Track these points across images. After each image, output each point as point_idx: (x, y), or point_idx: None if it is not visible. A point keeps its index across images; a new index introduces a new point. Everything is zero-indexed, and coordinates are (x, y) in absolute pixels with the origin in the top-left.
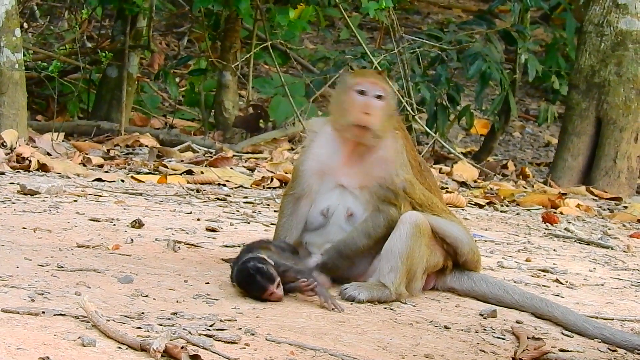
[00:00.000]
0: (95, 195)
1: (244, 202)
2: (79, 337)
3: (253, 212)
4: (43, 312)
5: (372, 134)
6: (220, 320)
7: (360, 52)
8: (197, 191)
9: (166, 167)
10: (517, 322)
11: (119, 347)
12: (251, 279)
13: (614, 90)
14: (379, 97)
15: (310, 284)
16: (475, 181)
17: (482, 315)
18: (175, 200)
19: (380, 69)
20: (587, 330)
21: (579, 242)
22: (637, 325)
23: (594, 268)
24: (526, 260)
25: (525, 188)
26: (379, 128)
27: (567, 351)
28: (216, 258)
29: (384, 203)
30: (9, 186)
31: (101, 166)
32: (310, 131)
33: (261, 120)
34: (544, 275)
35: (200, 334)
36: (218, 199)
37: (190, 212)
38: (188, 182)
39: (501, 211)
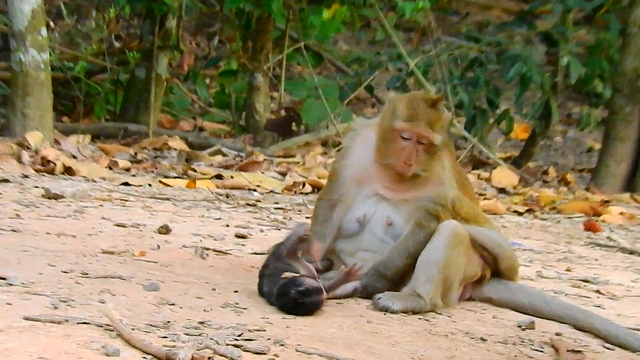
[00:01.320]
0: (121, 199)
1: (275, 208)
2: (103, 347)
3: (284, 218)
4: (66, 320)
5: (416, 177)
6: (249, 330)
7: (396, 54)
8: (227, 196)
9: (195, 171)
10: (557, 334)
11: (144, 357)
12: (301, 306)
13: None
14: (423, 142)
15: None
16: (514, 187)
17: (520, 326)
18: (203, 206)
19: (417, 72)
20: (629, 343)
21: (622, 252)
22: None
23: (637, 278)
24: (566, 270)
25: (567, 195)
26: (425, 168)
27: None
28: (245, 265)
29: (428, 217)
30: (33, 190)
31: (128, 170)
32: (351, 132)
33: (293, 124)
34: (585, 286)
35: (227, 344)
36: (248, 204)
37: (219, 218)
38: (217, 187)
39: (541, 219)
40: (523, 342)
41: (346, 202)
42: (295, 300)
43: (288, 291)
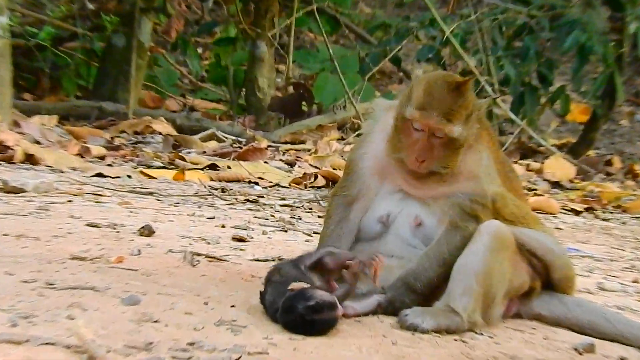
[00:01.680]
0: (94, 194)
1: (281, 205)
2: None
3: (292, 217)
4: (27, 341)
5: (434, 175)
6: (249, 353)
7: (429, 19)
8: (223, 191)
9: (184, 160)
10: (621, 358)
11: None
12: (311, 325)
13: None
14: (440, 135)
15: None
16: (571, 181)
17: (576, 349)
18: (194, 202)
19: (454, 41)
20: None
21: None
22: None
23: None
24: (633, 282)
25: (635, 190)
26: (445, 165)
27: None
28: (244, 275)
29: (465, 217)
30: None
31: (103, 158)
32: (371, 115)
33: (304, 103)
34: None
35: None
36: (248, 200)
37: (213, 217)
38: (211, 180)
39: (603, 219)
40: None
41: (366, 198)
42: (304, 318)
43: (295, 306)
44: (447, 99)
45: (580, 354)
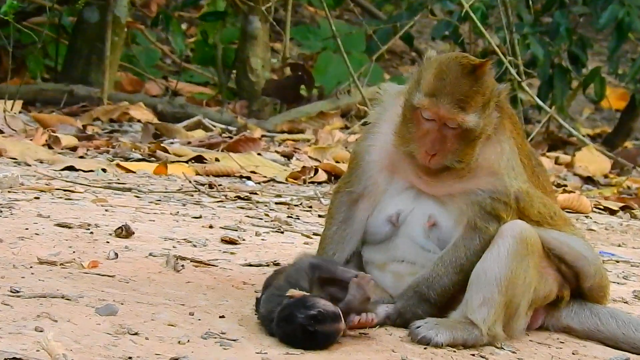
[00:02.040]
0: (65, 190)
1: (276, 203)
2: None
3: (288, 217)
4: None
5: (448, 170)
6: None
7: None
8: (210, 186)
9: (167, 151)
10: None
11: None
12: (312, 337)
13: None
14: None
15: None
16: (605, 176)
17: None
18: (178, 199)
19: (474, 17)
20: None
21: None
22: None
23: None
24: None
25: None
26: (460, 159)
27: None
28: (235, 281)
29: (485, 217)
30: None
31: (74, 149)
32: (378, 103)
33: (302, 87)
34: None
35: None
36: (239, 197)
37: (200, 216)
38: (197, 174)
39: None
40: None
41: (373, 196)
42: (305, 328)
43: (295, 314)
44: (460, 84)
45: None
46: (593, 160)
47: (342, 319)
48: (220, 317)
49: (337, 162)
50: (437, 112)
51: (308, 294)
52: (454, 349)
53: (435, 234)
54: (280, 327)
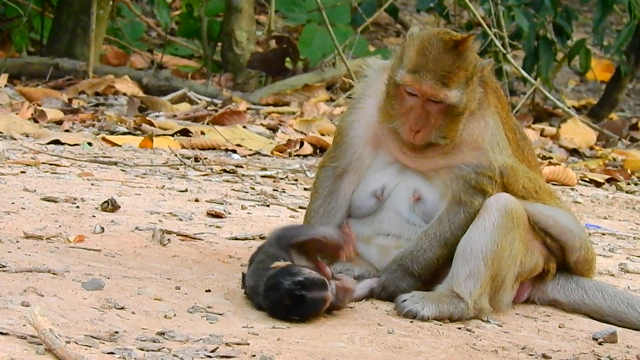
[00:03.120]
0: (51, 164)
1: (262, 177)
2: None
3: (274, 190)
4: None
5: (433, 146)
6: (226, 344)
7: None
8: (196, 160)
9: (152, 124)
10: None
11: None
12: (300, 303)
13: None
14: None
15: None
16: (591, 148)
17: (596, 339)
18: (164, 173)
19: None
20: None
21: None
22: None
23: None
24: None
25: None
26: (444, 135)
27: None
28: (221, 255)
29: (470, 191)
30: None
31: (60, 123)
32: (363, 78)
33: (288, 59)
34: None
35: None
36: (225, 171)
37: (186, 190)
38: (183, 147)
39: (627, 192)
40: None
41: (358, 170)
42: (292, 293)
43: (281, 282)
44: (443, 60)
45: (600, 344)
46: (578, 132)
47: (329, 288)
48: (206, 291)
49: (322, 134)
50: (419, 88)
51: (294, 265)
52: (440, 322)
53: (420, 207)
54: (267, 297)
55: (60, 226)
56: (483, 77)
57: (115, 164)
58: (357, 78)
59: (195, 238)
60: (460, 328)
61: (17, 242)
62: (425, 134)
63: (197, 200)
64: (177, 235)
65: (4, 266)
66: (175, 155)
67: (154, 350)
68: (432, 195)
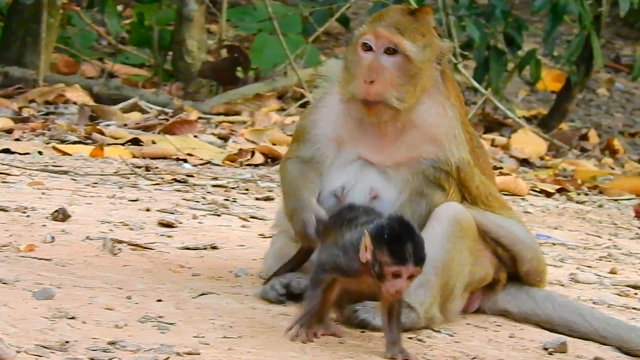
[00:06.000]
0: (1, 173)
1: (213, 186)
2: None
3: (225, 199)
4: None
5: (387, 109)
6: (177, 354)
7: None
8: (147, 169)
9: (103, 134)
10: (596, 359)
11: None
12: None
13: None
14: (390, 51)
15: None
16: (541, 158)
17: (546, 349)
18: (114, 182)
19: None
20: None
21: None
22: None
23: None
24: (611, 273)
25: (613, 169)
26: (399, 97)
27: None
28: (172, 265)
29: (431, 186)
30: None
31: (10, 132)
32: (323, 79)
33: (239, 68)
34: (636, 294)
35: None
36: (176, 180)
37: (137, 199)
38: (134, 156)
39: (577, 202)
40: None
41: (321, 167)
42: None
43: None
44: (400, 18)
45: (550, 354)
46: (529, 142)
47: None
48: (157, 300)
49: (273, 144)
50: (374, 31)
51: None
52: None
53: (377, 206)
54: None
55: (10, 235)
56: (442, 63)
57: (66, 173)
58: (316, 81)
59: (146, 247)
60: (411, 338)
61: None
62: (379, 87)
63: (148, 210)
64: (128, 244)
65: None
66: (126, 165)
67: None
68: (390, 193)
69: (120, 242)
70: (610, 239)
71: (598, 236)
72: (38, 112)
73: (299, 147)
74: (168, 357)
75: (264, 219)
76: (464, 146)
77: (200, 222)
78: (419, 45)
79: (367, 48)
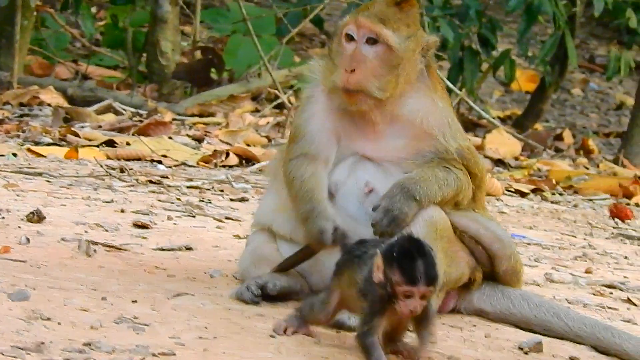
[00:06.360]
0: None
1: (188, 187)
2: None
3: (200, 201)
4: None
5: (367, 98)
6: (153, 355)
7: None
8: (121, 171)
9: (77, 135)
10: (571, 358)
11: None
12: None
13: None
14: (372, 41)
15: None
16: (516, 158)
17: (521, 348)
18: (89, 184)
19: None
20: None
21: None
22: None
23: None
24: (586, 272)
25: (588, 169)
26: (380, 87)
27: None
28: (147, 266)
29: (445, 165)
30: None
31: None
32: (310, 78)
33: (213, 70)
34: (611, 294)
35: None
36: (150, 181)
37: (111, 201)
38: (108, 158)
39: (552, 202)
40: None
41: (325, 161)
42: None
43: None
44: (385, 7)
45: (526, 353)
46: (503, 142)
47: None
48: (132, 301)
49: (248, 145)
50: (356, 21)
51: None
52: None
53: (373, 200)
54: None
55: None
56: (428, 57)
57: (41, 174)
58: (306, 77)
59: (121, 249)
60: None
61: None
62: (359, 76)
63: (122, 211)
64: (103, 246)
65: None
66: (101, 166)
67: None
68: (386, 186)
69: (95, 243)
70: (585, 239)
71: (573, 236)
72: (12, 114)
73: (298, 146)
74: (143, 358)
75: (238, 220)
76: (461, 133)
77: (175, 224)
78: (402, 36)
79: (350, 38)
